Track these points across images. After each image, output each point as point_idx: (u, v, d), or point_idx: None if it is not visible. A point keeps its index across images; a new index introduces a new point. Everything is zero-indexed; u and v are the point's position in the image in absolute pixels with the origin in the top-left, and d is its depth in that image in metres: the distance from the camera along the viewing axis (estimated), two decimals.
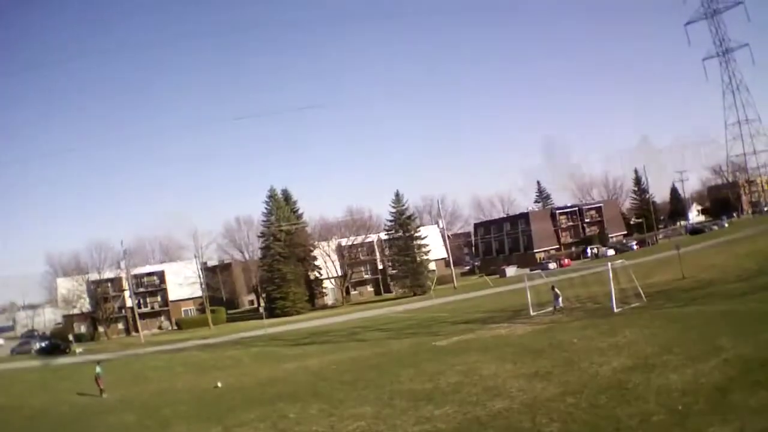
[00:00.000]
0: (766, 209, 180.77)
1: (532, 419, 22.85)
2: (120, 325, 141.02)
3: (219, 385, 45.67)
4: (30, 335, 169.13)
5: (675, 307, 43.96)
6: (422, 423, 25.28)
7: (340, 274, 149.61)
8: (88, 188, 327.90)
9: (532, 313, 55.57)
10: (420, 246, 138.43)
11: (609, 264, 51.81)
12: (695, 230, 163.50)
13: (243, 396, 39.77)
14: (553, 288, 54.75)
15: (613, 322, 41.96)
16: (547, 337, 41.33)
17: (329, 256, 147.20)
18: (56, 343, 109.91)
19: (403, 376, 36.83)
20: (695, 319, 36.85)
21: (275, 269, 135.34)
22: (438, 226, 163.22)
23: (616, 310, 46.79)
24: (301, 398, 35.22)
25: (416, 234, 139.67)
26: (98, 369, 49.43)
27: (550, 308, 54.22)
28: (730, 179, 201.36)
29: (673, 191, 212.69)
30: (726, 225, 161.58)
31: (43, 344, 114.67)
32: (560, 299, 53.87)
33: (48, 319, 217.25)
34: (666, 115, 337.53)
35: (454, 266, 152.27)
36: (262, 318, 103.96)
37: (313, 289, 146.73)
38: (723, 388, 21.72)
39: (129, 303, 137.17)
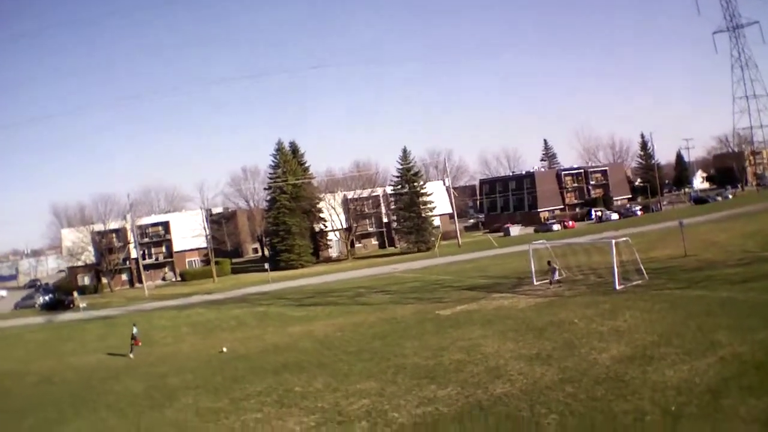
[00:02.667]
0: None
1: (531, 408, 23.72)
2: (124, 277, 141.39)
3: (224, 350, 46.47)
4: (33, 285, 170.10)
5: (676, 288, 44.25)
6: (425, 404, 26.17)
7: (345, 227, 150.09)
8: (93, 139, 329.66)
9: (535, 283, 56.25)
10: (425, 203, 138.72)
11: (612, 240, 51.88)
12: (699, 200, 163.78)
13: (248, 364, 40.42)
14: (549, 263, 55.15)
15: (614, 302, 42.52)
16: (549, 314, 41.97)
17: (335, 209, 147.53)
18: (60, 298, 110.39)
19: (407, 348, 37.73)
20: (695, 305, 37.23)
21: (281, 222, 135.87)
22: (444, 183, 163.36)
23: (618, 287, 47.34)
24: (307, 369, 36.17)
25: (422, 191, 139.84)
26: (135, 330, 49.74)
27: (548, 280, 54.59)
28: (736, 150, 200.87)
29: (679, 157, 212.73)
30: (729, 196, 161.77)
31: (46, 298, 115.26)
32: (557, 272, 54.27)
33: (51, 267, 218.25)
34: (675, 83, 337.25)
35: (458, 219, 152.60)
36: (266, 271, 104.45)
37: (318, 241, 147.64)
38: (716, 391, 22.34)
39: (134, 254, 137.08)
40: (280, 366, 38.16)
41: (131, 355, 48.74)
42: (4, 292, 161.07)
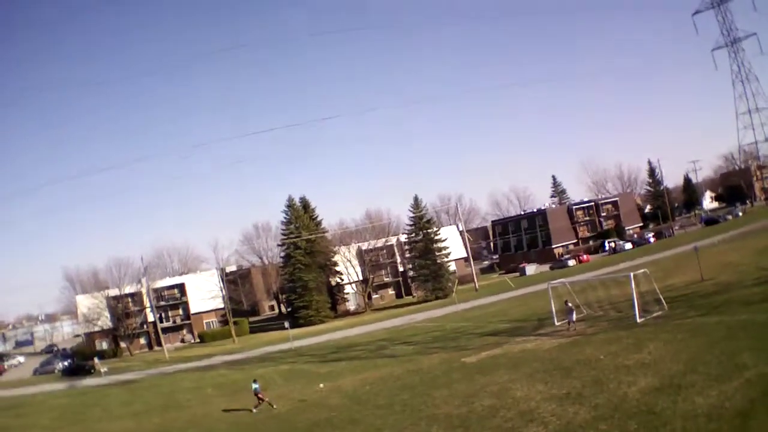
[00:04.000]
0: None
1: None
2: (142, 340, 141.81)
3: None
4: (51, 351, 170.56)
5: (697, 316, 44.56)
6: None
7: (361, 278, 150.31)
8: (104, 202, 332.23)
9: (556, 323, 56.33)
10: (440, 249, 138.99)
11: (631, 274, 52.16)
12: (710, 221, 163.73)
13: (279, 424, 40.77)
14: (566, 303, 54.83)
15: (637, 335, 42.85)
16: (574, 353, 42.32)
17: (350, 261, 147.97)
18: (80, 364, 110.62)
19: (437, 398, 37.97)
20: (717, 331, 37.54)
21: (297, 278, 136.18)
22: (457, 228, 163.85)
23: (639, 320, 47.55)
24: (339, 426, 36.52)
25: (436, 237, 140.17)
26: (255, 385, 47.81)
27: (566, 320, 54.36)
28: (742, 167, 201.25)
29: (687, 180, 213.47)
30: (740, 214, 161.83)
31: (65, 363, 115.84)
32: (574, 313, 53.85)
33: (66, 332, 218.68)
34: (677, 106, 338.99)
35: (473, 261, 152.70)
36: (285, 328, 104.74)
37: (335, 295, 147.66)
38: (745, 413, 22.78)
39: (150, 318, 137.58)
40: (311, 424, 38.48)
41: (274, 407, 46.57)
42: (21, 358, 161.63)
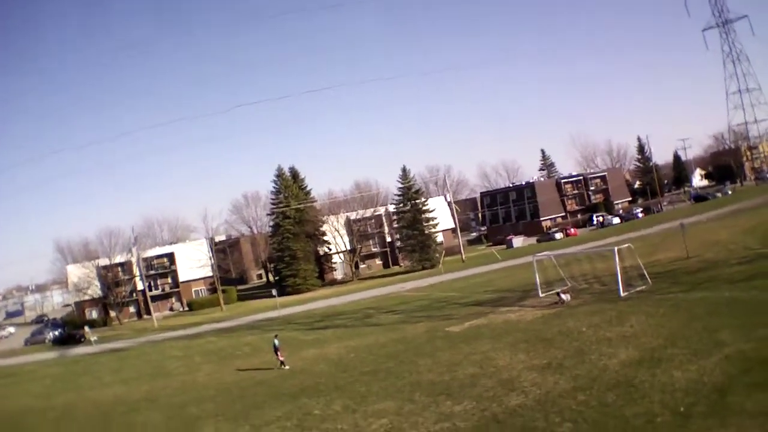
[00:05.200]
0: None
1: (546, 418, 24.51)
2: (131, 309, 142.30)
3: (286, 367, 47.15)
4: (41, 321, 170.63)
5: (680, 291, 44.88)
6: (443, 421, 26.94)
7: (349, 248, 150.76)
8: (94, 173, 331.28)
9: (540, 295, 56.77)
10: (428, 219, 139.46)
11: (615, 248, 52.53)
12: (699, 198, 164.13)
13: (266, 390, 41.10)
14: (558, 294, 54.30)
15: (619, 308, 43.24)
16: (557, 324, 42.77)
17: (338, 231, 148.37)
18: (71, 333, 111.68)
19: (421, 366, 38.54)
20: (699, 307, 37.92)
21: (285, 247, 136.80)
22: (445, 199, 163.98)
23: (622, 294, 47.90)
24: (324, 392, 36.96)
25: (424, 208, 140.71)
26: (276, 341, 48.60)
27: (556, 293, 54.27)
28: (732, 147, 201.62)
29: (676, 157, 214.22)
30: (729, 192, 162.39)
31: (56, 333, 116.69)
32: (563, 295, 53.59)
33: (56, 302, 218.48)
34: (668, 84, 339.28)
35: (461, 232, 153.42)
36: (273, 296, 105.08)
37: (323, 264, 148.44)
38: (723, 389, 23.11)
39: (140, 286, 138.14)
40: (297, 390, 38.87)
41: (286, 367, 47.35)
42: (12, 329, 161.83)
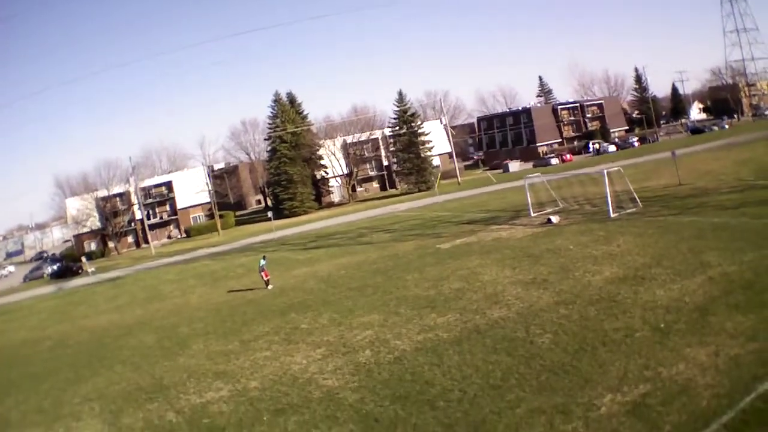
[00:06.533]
0: (767, 113, 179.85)
1: (527, 329, 24.96)
2: (130, 239, 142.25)
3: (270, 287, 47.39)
4: (40, 257, 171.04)
5: (669, 215, 44.95)
6: (426, 332, 27.44)
7: (345, 172, 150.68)
8: (91, 105, 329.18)
9: (532, 214, 57.13)
10: (424, 143, 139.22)
11: (604, 170, 52.62)
12: (696, 130, 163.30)
13: (256, 308, 41.42)
14: (548, 219, 53.98)
15: (608, 229, 43.46)
16: (545, 242, 43.15)
17: (335, 154, 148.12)
18: (68, 265, 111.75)
19: (409, 281, 39.03)
20: (687, 230, 37.99)
21: (282, 171, 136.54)
22: (441, 122, 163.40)
23: (612, 215, 48.12)
24: (312, 307, 37.47)
25: (419, 131, 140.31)
26: (263, 262, 48.89)
27: (545, 217, 54.42)
28: (730, 82, 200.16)
29: (674, 90, 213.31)
30: (726, 126, 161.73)
31: (54, 267, 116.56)
32: (553, 218, 53.70)
33: (56, 238, 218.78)
34: (668, 17, 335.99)
35: (458, 158, 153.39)
36: (270, 220, 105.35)
37: (320, 188, 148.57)
38: (704, 309, 23.29)
39: (138, 215, 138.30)
40: (286, 307, 39.33)
41: (270, 287, 47.66)
42: (12, 268, 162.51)
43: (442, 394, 20.36)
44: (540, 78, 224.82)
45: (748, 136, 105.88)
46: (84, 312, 58.14)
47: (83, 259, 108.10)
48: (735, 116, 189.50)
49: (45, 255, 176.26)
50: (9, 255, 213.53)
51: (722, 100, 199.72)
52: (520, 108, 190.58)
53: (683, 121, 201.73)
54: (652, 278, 28.77)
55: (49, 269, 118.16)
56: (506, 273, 35.75)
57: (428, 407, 19.64)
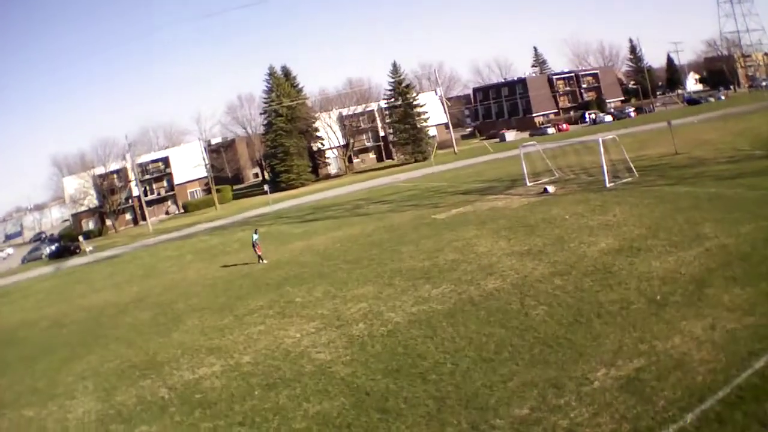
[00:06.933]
0: (764, 84, 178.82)
1: (521, 301, 24.84)
2: (127, 216, 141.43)
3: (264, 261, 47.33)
4: (39, 239, 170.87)
5: (665, 185, 44.67)
6: (420, 303, 27.37)
7: (342, 143, 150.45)
8: (88, 84, 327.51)
9: (528, 184, 57.08)
10: (419, 113, 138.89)
11: (599, 139, 52.30)
12: (692, 101, 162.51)
13: (251, 282, 41.39)
14: (545, 189, 53.82)
15: (604, 198, 43.25)
16: (541, 212, 43.00)
17: (331, 127, 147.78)
18: (66, 245, 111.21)
19: (404, 253, 38.92)
20: (683, 200, 37.72)
21: (278, 144, 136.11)
22: (436, 93, 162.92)
23: (608, 185, 47.85)
24: (307, 280, 37.38)
25: (415, 102, 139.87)
26: (255, 236, 48.71)
27: (542, 187, 54.24)
28: (726, 53, 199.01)
29: (669, 60, 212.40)
30: (722, 98, 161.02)
31: (52, 248, 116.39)
32: (549, 188, 53.54)
33: (55, 218, 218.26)
34: None
35: (455, 129, 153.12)
36: (266, 193, 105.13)
37: (316, 159, 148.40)
38: (701, 281, 23.04)
39: (136, 192, 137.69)
40: (281, 280, 39.25)
41: (263, 261, 47.53)
42: (10, 250, 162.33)
43: (435, 367, 20.30)
44: (535, 48, 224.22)
45: (744, 108, 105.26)
46: (81, 291, 57.79)
47: (80, 238, 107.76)
48: (731, 87, 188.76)
49: (43, 236, 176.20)
50: (8, 237, 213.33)
51: (718, 72, 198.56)
52: (515, 78, 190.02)
53: (679, 91, 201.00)
54: (648, 249, 28.53)
55: (47, 250, 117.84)
56: (501, 244, 35.60)
57: (420, 380, 19.59)
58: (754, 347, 17.09)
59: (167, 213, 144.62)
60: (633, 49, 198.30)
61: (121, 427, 21.65)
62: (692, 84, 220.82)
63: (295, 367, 22.96)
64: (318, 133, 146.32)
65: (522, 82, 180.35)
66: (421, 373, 20.00)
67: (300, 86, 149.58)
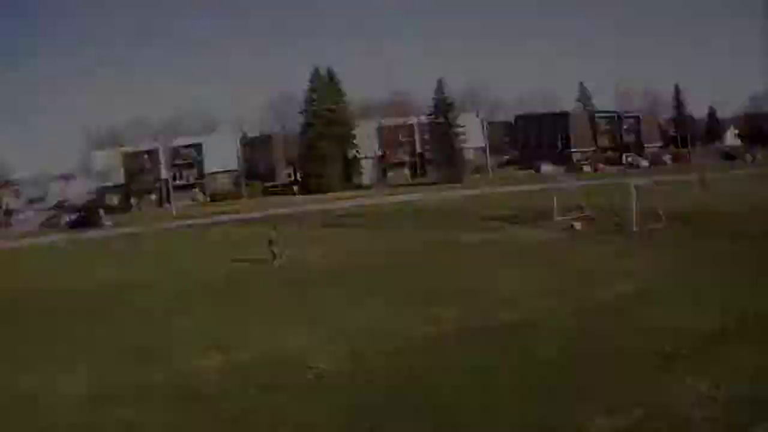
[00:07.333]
0: None
1: (532, 336, 24.65)
2: (153, 197, 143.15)
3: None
4: (61, 206, 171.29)
5: (693, 237, 44.57)
6: (428, 325, 27.35)
7: (378, 154, 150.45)
8: (130, 63, 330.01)
9: (556, 218, 56.99)
10: (458, 134, 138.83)
11: (633, 183, 52.12)
12: (728, 156, 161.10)
13: (263, 280, 41.67)
14: (571, 225, 54.07)
15: (629, 242, 43.57)
16: (564, 248, 43.67)
17: (368, 136, 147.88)
18: (86, 216, 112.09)
19: (422, 271, 39.49)
20: (709, 254, 37.24)
21: (314, 146, 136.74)
22: (477, 116, 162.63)
23: (635, 228, 47.90)
24: (319, 287, 37.63)
25: (455, 122, 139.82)
26: (273, 233, 47.81)
27: (569, 223, 54.35)
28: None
29: (711, 113, 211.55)
30: (758, 156, 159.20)
31: (72, 217, 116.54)
32: (576, 224, 53.52)
33: (80, 189, 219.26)
34: (714, 37, 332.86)
35: (493, 154, 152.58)
36: (295, 194, 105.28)
37: (350, 167, 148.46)
38: (713, 338, 22.67)
39: (164, 175, 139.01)
40: (293, 283, 39.63)
41: (280, 259, 46.94)
42: (31, 212, 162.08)
43: (432, 395, 19.90)
44: (581, 84, 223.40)
45: None
46: (89, 266, 57.58)
47: (100, 210, 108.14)
48: None
49: (66, 203, 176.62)
50: (31, 201, 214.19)
51: (759, 128, 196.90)
52: (558, 111, 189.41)
53: (717, 145, 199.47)
54: (665, 299, 28.30)
55: (66, 218, 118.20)
56: (521, 274, 35.67)
57: (412, 411, 19.04)
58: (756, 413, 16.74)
59: (193, 200, 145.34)
60: (677, 96, 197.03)
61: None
62: (731, 138, 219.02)
63: (293, 373, 22.83)
64: (355, 141, 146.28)
65: (565, 115, 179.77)
66: (417, 404, 19.51)
67: (342, 91, 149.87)
